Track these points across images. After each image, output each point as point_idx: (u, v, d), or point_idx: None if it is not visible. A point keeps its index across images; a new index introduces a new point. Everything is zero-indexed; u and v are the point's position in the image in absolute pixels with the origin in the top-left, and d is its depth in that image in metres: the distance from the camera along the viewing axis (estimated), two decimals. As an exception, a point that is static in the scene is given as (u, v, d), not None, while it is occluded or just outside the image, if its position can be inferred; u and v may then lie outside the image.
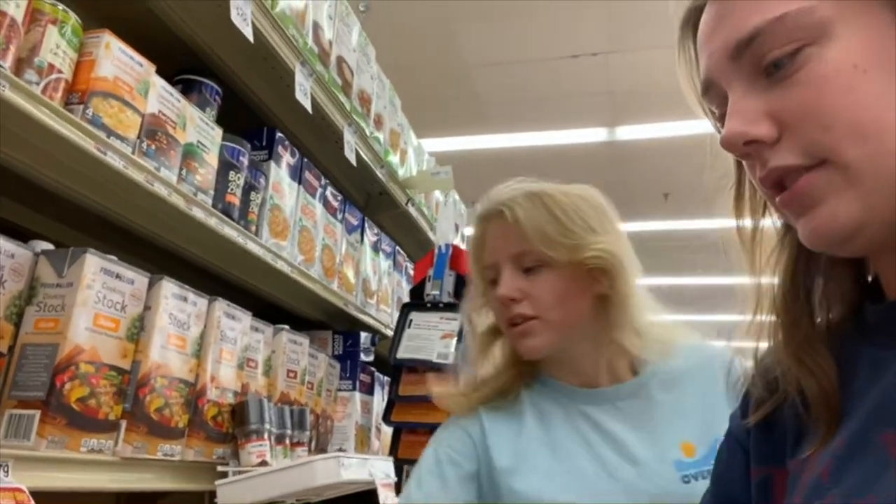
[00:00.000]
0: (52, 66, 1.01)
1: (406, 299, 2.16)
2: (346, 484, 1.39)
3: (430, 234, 2.59)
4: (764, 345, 0.60)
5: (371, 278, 2.15)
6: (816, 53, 0.47)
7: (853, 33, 0.47)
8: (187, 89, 1.41)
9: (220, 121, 1.43)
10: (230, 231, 1.38)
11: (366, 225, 2.15)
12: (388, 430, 1.99)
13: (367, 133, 1.97)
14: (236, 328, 1.38)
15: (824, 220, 0.48)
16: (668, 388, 1.01)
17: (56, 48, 1.02)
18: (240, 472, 1.28)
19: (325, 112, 1.75)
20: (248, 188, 1.47)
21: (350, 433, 1.89)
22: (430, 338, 1.91)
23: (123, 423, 1.09)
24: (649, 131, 5.80)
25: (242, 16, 1.35)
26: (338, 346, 1.98)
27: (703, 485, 0.91)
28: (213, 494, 1.27)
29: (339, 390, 1.91)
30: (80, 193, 1.22)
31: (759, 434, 0.60)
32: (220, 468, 1.29)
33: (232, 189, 1.40)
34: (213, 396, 1.29)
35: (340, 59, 1.82)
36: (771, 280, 0.58)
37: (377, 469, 1.46)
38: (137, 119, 1.14)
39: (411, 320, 1.94)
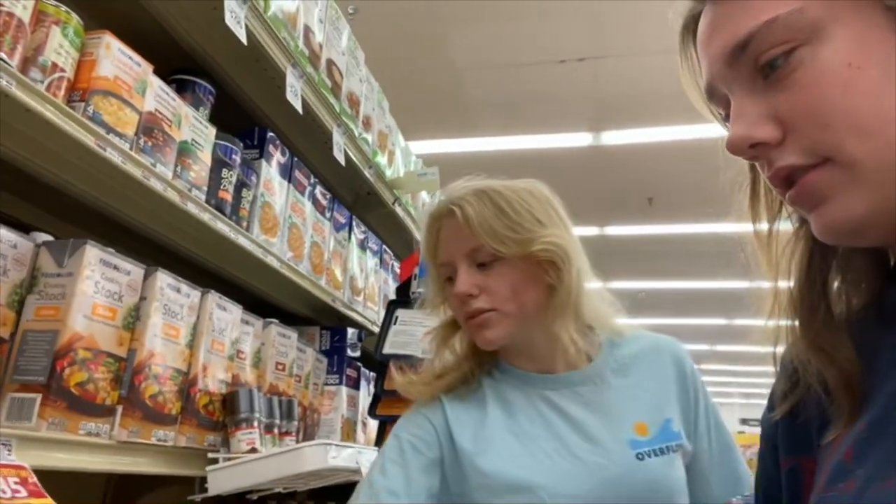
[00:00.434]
0: (55, 65, 1.06)
1: (392, 297, 2.21)
2: (333, 471, 1.44)
3: (417, 234, 2.65)
4: (781, 348, 0.60)
5: (358, 276, 2.20)
6: (810, 54, 0.48)
7: (846, 32, 0.47)
8: (181, 89, 1.46)
9: (213, 120, 1.48)
10: (222, 226, 1.42)
11: (353, 223, 2.20)
12: (373, 424, 2.04)
13: (356, 134, 2.03)
14: (227, 320, 1.43)
15: (833, 215, 0.49)
16: (621, 373, 1.07)
17: (59, 48, 1.07)
18: (230, 459, 1.33)
19: (315, 113, 1.80)
20: (240, 185, 1.52)
21: (336, 426, 1.94)
22: (415, 334, 1.96)
23: (119, 409, 1.14)
24: (634, 136, 5.88)
25: (236, 18, 1.40)
26: (325, 342, 2.03)
27: (655, 461, 0.98)
28: (203, 480, 1.32)
29: (326, 384, 1.96)
30: (79, 188, 1.27)
31: (786, 426, 0.61)
32: (210, 455, 1.33)
33: (224, 186, 1.45)
34: (204, 385, 1.33)
35: (330, 62, 1.87)
36: (787, 277, 0.58)
37: (364, 458, 1.51)
38: (135, 117, 1.19)
39: (397, 317, 1.99)
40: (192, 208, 1.33)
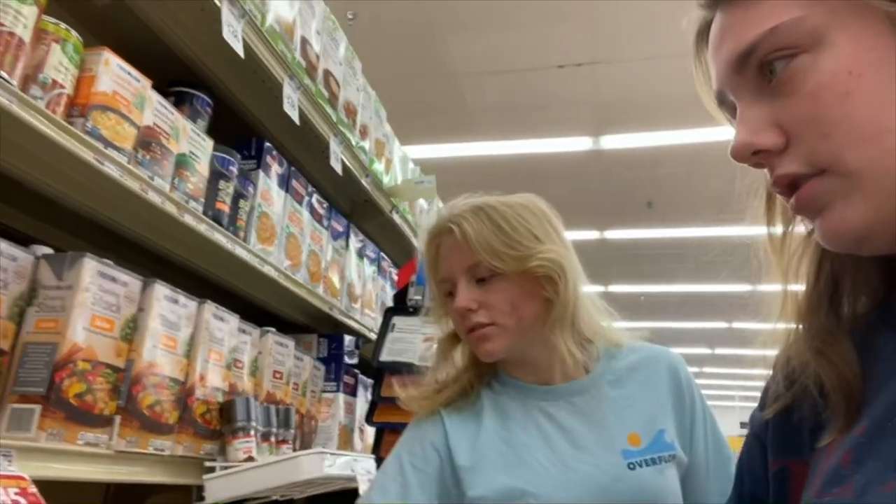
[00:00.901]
0: (55, 82, 1.08)
1: (390, 304, 2.23)
2: (329, 480, 1.46)
3: (414, 241, 2.67)
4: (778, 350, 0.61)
5: (356, 283, 2.22)
6: (811, 61, 0.48)
7: (846, 39, 0.48)
8: (180, 101, 1.48)
9: (211, 131, 1.50)
10: (219, 237, 1.44)
11: (351, 231, 2.22)
12: (370, 431, 2.05)
13: (353, 143, 2.05)
14: (224, 330, 1.44)
15: (834, 223, 0.49)
16: (617, 384, 1.09)
17: (59, 65, 1.09)
18: (227, 468, 1.35)
19: (312, 123, 1.82)
20: (238, 196, 1.54)
21: (334, 433, 1.96)
22: (412, 341, 1.98)
23: (118, 419, 1.16)
24: (633, 140, 5.91)
25: (233, 32, 1.43)
26: (322, 349, 2.05)
27: (647, 470, 1.00)
28: (200, 488, 1.33)
29: (324, 391, 1.98)
30: (78, 201, 1.29)
31: (777, 427, 0.61)
32: (207, 463, 1.35)
33: (222, 197, 1.47)
34: (201, 395, 1.35)
35: (327, 73, 1.89)
36: (797, 281, 0.58)
37: (360, 466, 1.52)
38: (134, 131, 1.21)
39: (394, 324, 2.00)
40: (189, 220, 1.34)
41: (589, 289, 1.13)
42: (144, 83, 1.25)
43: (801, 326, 0.57)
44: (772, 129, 0.50)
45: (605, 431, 1.04)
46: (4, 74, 0.97)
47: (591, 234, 7.81)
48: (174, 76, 1.53)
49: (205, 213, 1.40)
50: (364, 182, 2.18)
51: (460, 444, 1.06)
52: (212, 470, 1.34)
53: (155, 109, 1.28)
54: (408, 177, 2.58)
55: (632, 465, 1.00)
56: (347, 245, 2.18)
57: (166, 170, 1.29)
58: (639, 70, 5.04)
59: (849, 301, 0.57)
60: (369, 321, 2.29)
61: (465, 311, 1.06)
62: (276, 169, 1.73)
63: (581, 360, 1.10)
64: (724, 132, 0.57)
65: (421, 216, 2.71)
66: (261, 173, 1.65)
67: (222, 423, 1.39)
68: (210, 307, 1.39)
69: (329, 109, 1.88)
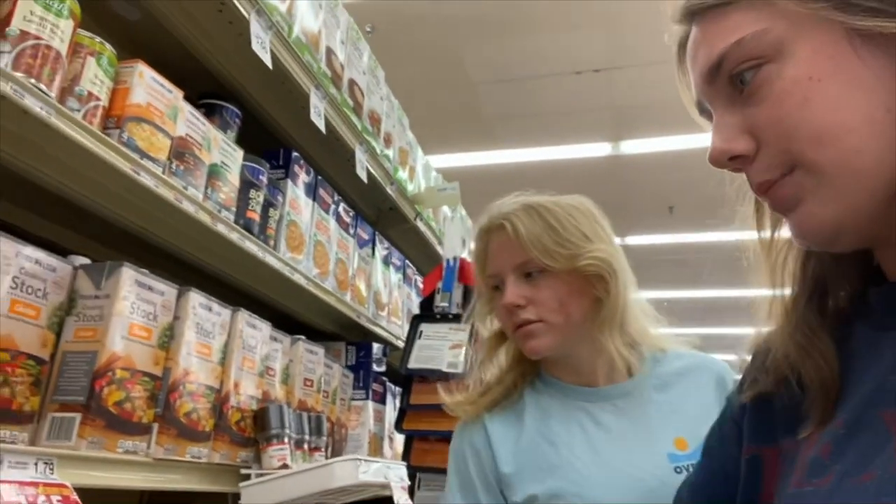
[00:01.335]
0: (91, 94, 1.10)
1: (416, 311, 2.23)
2: (362, 487, 1.45)
3: (438, 248, 2.67)
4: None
5: (382, 291, 2.23)
6: (776, 70, 0.51)
7: (807, 48, 0.51)
8: (209, 113, 1.50)
9: (239, 142, 1.51)
10: (251, 245, 1.45)
11: (376, 239, 2.23)
12: (399, 439, 2.05)
13: (378, 151, 2.06)
14: (257, 337, 1.45)
15: (804, 219, 0.52)
16: (662, 389, 1.09)
17: (95, 77, 1.11)
18: (262, 475, 1.35)
19: (338, 132, 1.83)
20: (267, 205, 1.55)
21: (363, 441, 1.96)
22: (440, 348, 1.98)
23: (155, 426, 1.16)
24: (653, 145, 5.87)
25: (261, 43, 1.44)
26: (351, 357, 2.05)
27: None
28: (236, 496, 1.34)
29: (353, 399, 1.98)
30: (112, 212, 1.31)
31: (753, 413, 0.63)
32: (243, 471, 1.36)
33: (252, 206, 1.48)
34: (236, 402, 1.36)
35: (352, 82, 1.91)
36: (784, 281, 0.61)
37: (393, 473, 1.52)
38: (167, 142, 1.23)
39: (422, 331, 2.01)
40: (221, 229, 1.36)
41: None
42: (177, 94, 1.27)
43: (784, 319, 0.60)
44: (744, 136, 0.54)
45: (651, 435, 1.03)
46: (43, 86, 0.99)
47: (611, 241, 7.74)
48: (203, 89, 1.55)
49: (236, 221, 1.42)
50: (389, 190, 2.19)
51: (504, 450, 1.07)
52: (247, 477, 1.35)
53: (187, 120, 1.30)
54: (431, 184, 2.59)
55: (679, 469, 0.98)
56: (373, 253, 2.18)
57: (199, 179, 1.31)
58: (656, 74, 5.00)
59: (832, 297, 0.59)
60: (396, 329, 2.29)
61: (512, 307, 1.07)
62: (303, 178, 1.74)
63: (627, 362, 1.09)
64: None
65: (445, 224, 2.71)
66: (289, 182, 1.67)
67: (256, 430, 1.40)
68: (243, 315, 1.40)
69: (354, 118, 1.89)
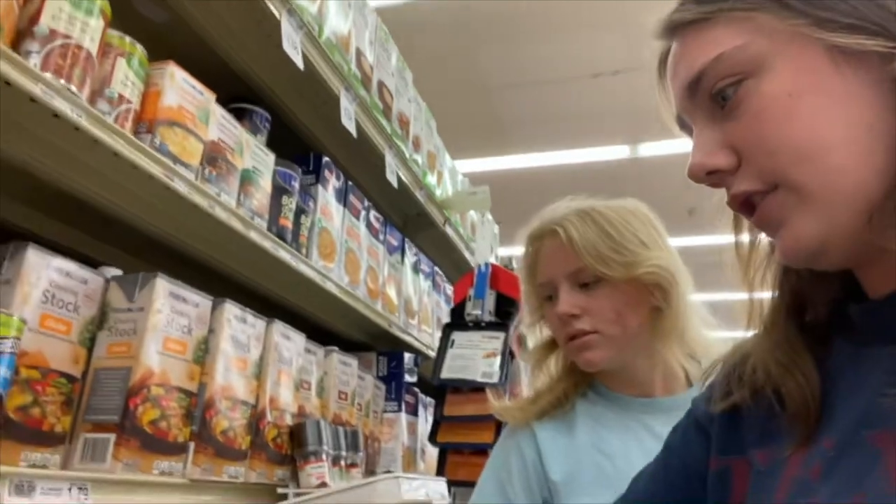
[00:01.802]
0: (121, 97, 1.04)
1: (446, 319, 2.16)
2: (402, 505, 1.39)
3: (466, 254, 2.60)
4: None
5: (412, 298, 2.16)
6: (755, 85, 0.51)
7: (786, 65, 0.50)
8: (239, 117, 1.44)
9: (268, 147, 1.46)
10: (284, 254, 1.40)
11: (406, 246, 2.16)
12: (432, 452, 1.98)
13: (407, 155, 2.00)
14: (292, 350, 1.39)
15: (788, 239, 0.51)
16: None
17: (125, 79, 1.05)
18: (300, 494, 1.29)
19: (368, 135, 1.78)
20: (299, 212, 1.50)
21: (397, 455, 1.89)
22: (473, 357, 1.91)
23: (192, 445, 1.10)
24: (672, 147, 5.78)
25: (293, 44, 1.39)
26: (382, 368, 1.99)
27: None
28: (273, 517, 1.27)
29: (385, 412, 1.91)
30: (142, 220, 1.25)
31: (723, 424, 0.62)
32: (280, 490, 1.29)
33: (285, 213, 1.42)
34: (272, 418, 1.30)
35: (381, 84, 1.85)
36: (762, 290, 0.61)
37: (433, 489, 1.45)
38: (200, 146, 1.17)
39: (454, 340, 1.94)
40: (254, 236, 1.30)
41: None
42: (208, 96, 1.21)
43: (763, 334, 0.59)
44: (724, 151, 0.53)
45: None
46: (74, 88, 0.94)
47: (630, 244, 7.67)
48: (230, 92, 1.50)
49: (269, 229, 1.36)
50: (418, 195, 2.13)
51: (553, 458, 1.02)
52: (284, 497, 1.28)
53: (219, 124, 1.24)
54: (458, 189, 2.53)
55: None
56: (403, 259, 2.12)
57: (232, 185, 1.25)
58: (675, 75, 4.94)
59: (810, 311, 0.59)
60: (426, 337, 2.23)
61: (567, 317, 1.02)
62: (333, 183, 1.69)
63: (685, 372, 1.05)
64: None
65: (473, 229, 2.65)
66: (320, 188, 1.61)
67: (293, 447, 1.34)
68: (278, 326, 1.34)
69: (384, 121, 1.84)
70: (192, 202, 1.13)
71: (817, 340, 0.57)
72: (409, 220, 2.37)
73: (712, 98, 0.54)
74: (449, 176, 2.47)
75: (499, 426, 1.76)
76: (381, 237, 1.96)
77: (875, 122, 0.48)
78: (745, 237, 0.62)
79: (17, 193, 1.14)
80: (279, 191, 1.42)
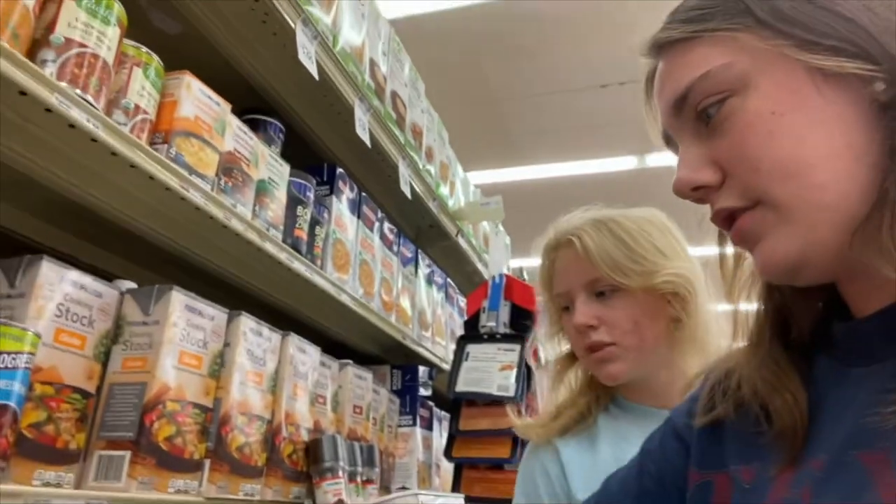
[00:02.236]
0: (138, 107, 1.03)
1: (459, 332, 2.14)
2: (421, 522, 1.35)
3: (479, 266, 2.58)
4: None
5: (426, 310, 2.14)
6: (740, 103, 0.52)
7: (770, 83, 0.51)
8: (252, 128, 1.42)
9: (282, 157, 1.44)
10: (299, 265, 1.37)
11: (419, 257, 2.14)
12: (447, 467, 1.94)
13: (420, 166, 1.98)
14: (307, 363, 1.37)
15: (766, 254, 0.52)
16: None
17: (142, 90, 1.04)
18: (316, 512, 1.26)
19: (381, 146, 1.76)
20: (314, 223, 1.48)
21: (412, 470, 1.85)
22: (488, 370, 1.88)
23: (207, 463, 1.08)
24: (680, 157, 5.77)
25: (308, 54, 1.37)
26: (396, 381, 1.96)
27: None
28: (289, 535, 1.24)
29: (400, 426, 1.88)
30: (157, 232, 1.23)
31: (704, 438, 0.62)
32: (296, 508, 1.27)
33: (300, 224, 1.40)
34: (287, 434, 1.27)
35: (394, 94, 1.83)
36: (747, 302, 0.61)
37: (451, 506, 1.42)
38: (216, 157, 1.15)
39: (468, 353, 1.91)
40: (270, 248, 1.28)
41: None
42: (224, 107, 1.20)
43: (748, 351, 0.60)
44: (709, 167, 0.54)
45: None
46: (90, 98, 0.92)
47: (639, 255, 7.63)
48: (243, 103, 1.48)
49: (284, 240, 1.34)
50: (431, 206, 2.11)
51: (577, 475, 1.00)
52: (301, 515, 1.25)
53: (235, 134, 1.22)
54: (470, 199, 2.50)
55: None
56: (416, 271, 2.10)
57: (247, 197, 1.23)
58: (684, 85, 4.93)
59: (794, 328, 0.59)
60: (440, 350, 2.20)
61: (584, 328, 1.01)
62: (347, 194, 1.67)
63: None
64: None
65: (485, 240, 2.62)
66: (334, 199, 1.59)
67: (309, 463, 1.31)
68: (293, 339, 1.32)
69: (397, 132, 1.82)
70: (209, 213, 1.12)
71: (802, 357, 0.57)
72: (422, 231, 2.35)
73: (698, 115, 0.54)
74: (461, 186, 2.46)
75: (515, 441, 1.73)
76: (395, 248, 1.94)
77: (855, 142, 0.49)
78: (730, 251, 0.62)
79: (30, 206, 1.13)
80: (294, 202, 1.40)
